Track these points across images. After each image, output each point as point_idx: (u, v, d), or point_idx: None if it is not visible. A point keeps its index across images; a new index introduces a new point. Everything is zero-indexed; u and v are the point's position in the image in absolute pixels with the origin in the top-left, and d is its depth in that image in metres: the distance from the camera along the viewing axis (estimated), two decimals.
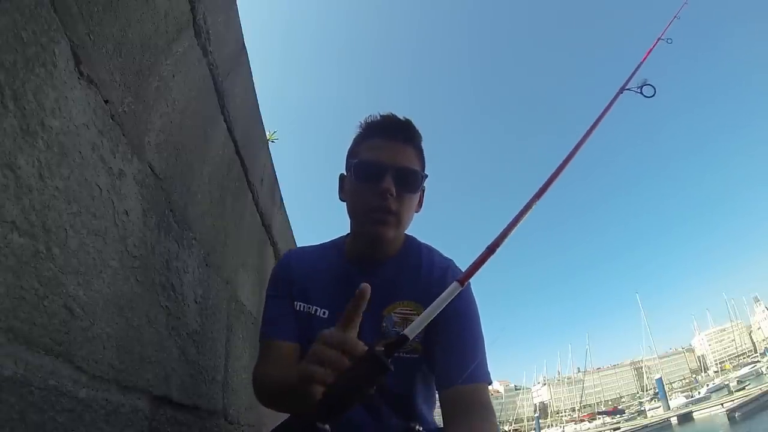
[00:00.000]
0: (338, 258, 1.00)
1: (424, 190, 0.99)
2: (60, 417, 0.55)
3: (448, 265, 0.97)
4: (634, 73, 1.28)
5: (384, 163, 0.90)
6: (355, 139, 0.99)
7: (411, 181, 0.92)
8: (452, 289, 0.60)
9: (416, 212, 0.98)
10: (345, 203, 0.99)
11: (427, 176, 0.97)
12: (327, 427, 0.59)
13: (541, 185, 0.78)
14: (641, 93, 1.25)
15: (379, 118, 0.96)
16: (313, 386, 0.60)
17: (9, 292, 0.47)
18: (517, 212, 0.71)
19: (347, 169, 0.99)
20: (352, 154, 0.98)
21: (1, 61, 0.47)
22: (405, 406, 0.91)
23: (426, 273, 0.94)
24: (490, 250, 0.65)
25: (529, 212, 0.73)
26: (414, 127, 0.96)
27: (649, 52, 1.46)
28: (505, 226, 0.69)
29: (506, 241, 0.68)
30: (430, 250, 1.00)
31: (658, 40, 1.55)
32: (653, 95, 1.25)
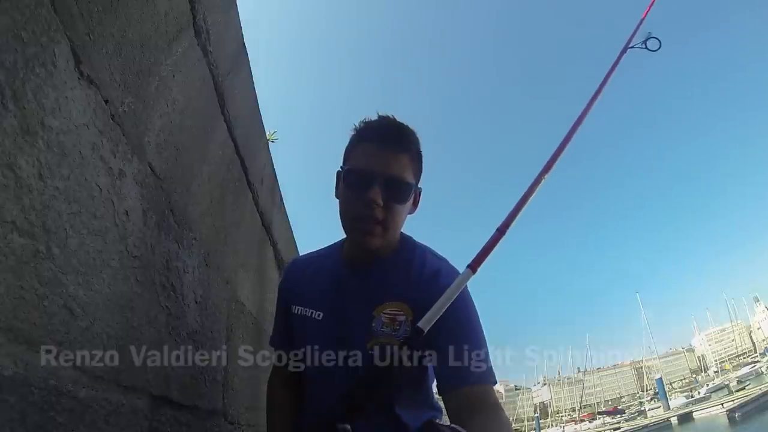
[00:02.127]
0: (337, 259, 1.01)
1: (420, 191, 0.97)
2: (60, 417, 0.55)
3: (439, 265, 0.95)
4: (637, 29, 1.20)
5: (373, 171, 0.88)
6: (351, 139, 0.98)
7: (400, 191, 0.90)
8: (464, 276, 0.58)
9: (410, 213, 0.97)
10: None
11: (420, 189, 0.95)
12: (348, 426, 0.60)
13: (549, 157, 0.72)
14: (646, 48, 1.18)
15: (375, 121, 0.94)
16: None
17: (9, 292, 0.47)
18: (525, 189, 0.65)
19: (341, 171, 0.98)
20: (346, 156, 0.98)
21: (1, 61, 0.47)
22: (386, 407, 0.90)
23: (417, 273, 0.93)
24: (500, 231, 0.61)
25: (539, 188, 0.67)
26: (410, 134, 0.93)
27: (650, 6, 1.36)
28: (514, 204, 0.64)
29: (516, 221, 0.63)
30: (424, 251, 0.99)
31: None
32: (658, 49, 1.17)
